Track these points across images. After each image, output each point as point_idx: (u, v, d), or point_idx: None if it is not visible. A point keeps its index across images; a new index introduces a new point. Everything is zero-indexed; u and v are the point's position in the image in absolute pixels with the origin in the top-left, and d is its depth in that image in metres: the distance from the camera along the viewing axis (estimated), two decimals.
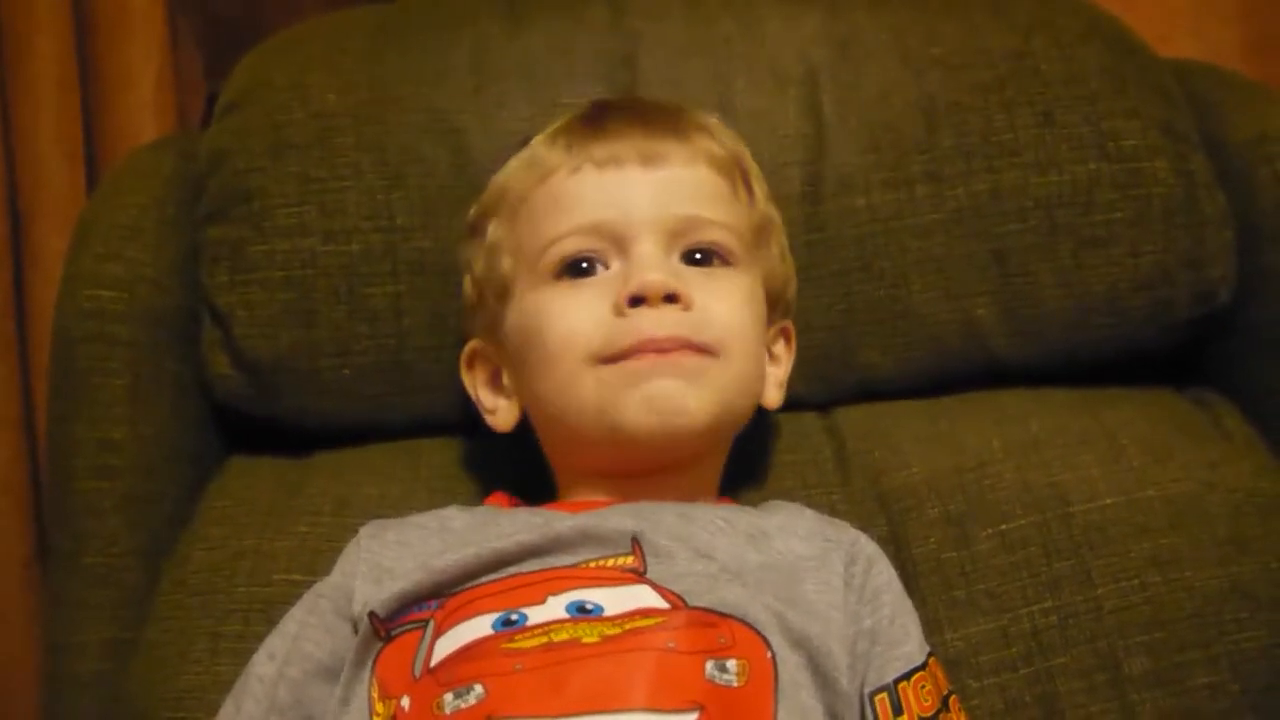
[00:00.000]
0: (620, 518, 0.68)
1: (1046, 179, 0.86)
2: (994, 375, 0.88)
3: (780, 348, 0.79)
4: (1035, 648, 0.74)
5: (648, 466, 0.71)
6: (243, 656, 0.70)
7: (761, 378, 0.75)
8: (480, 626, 0.62)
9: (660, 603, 0.63)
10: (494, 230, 0.76)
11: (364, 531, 0.71)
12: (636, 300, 0.68)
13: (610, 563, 0.65)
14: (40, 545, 1.10)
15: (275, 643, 0.68)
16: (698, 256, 0.71)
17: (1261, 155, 0.88)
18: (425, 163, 0.85)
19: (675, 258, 0.71)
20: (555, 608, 0.62)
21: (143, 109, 1.12)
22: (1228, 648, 0.74)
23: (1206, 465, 0.81)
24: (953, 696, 0.67)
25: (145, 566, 0.82)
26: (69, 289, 0.85)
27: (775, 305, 0.78)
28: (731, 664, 0.59)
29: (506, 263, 0.74)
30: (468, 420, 0.82)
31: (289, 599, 0.71)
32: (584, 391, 0.69)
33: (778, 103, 0.88)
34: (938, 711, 0.65)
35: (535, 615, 0.62)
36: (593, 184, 0.71)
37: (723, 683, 0.58)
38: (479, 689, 0.58)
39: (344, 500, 0.82)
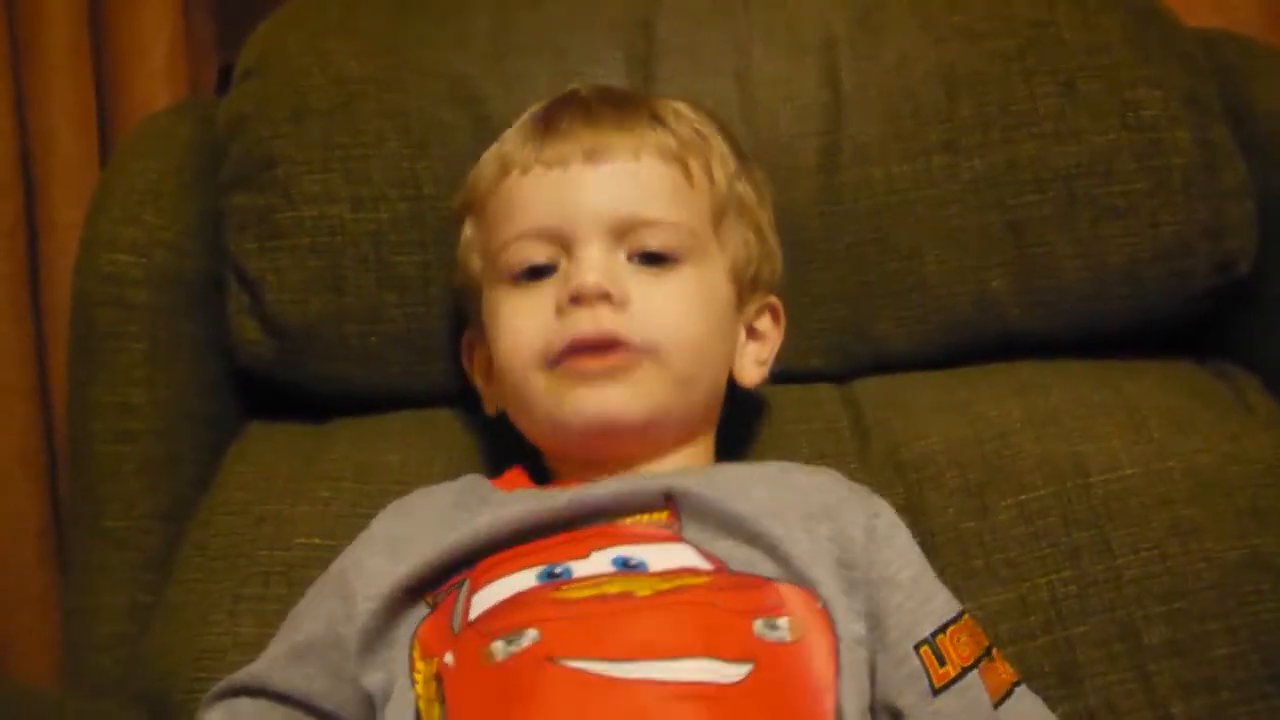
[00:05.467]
0: (646, 482, 0.69)
1: (1065, 149, 0.85)
2: (1010, 347, 0.87)
3: (765, 323, 0.79)
4: (1054, 616, 0.74)
5: (618, 456, 0.71)
6: (262, 618, 0.71)
7: (719, 366, 0.75)
8: (524, 579, 0.63)
9: (702, 563, 0.64)
10: (468, 229, 0.78)
11: (376, 523, 0.72)
12: (574, 300, 0.69)
13: (645, 519, 0.67)
14: (55, 514, 1.11)
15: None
16: (644, 257, 0.72)
17: None
18: (447, 130, 0.85)
19: (621, 256, 0.71)
20: (600, 562, 0.63)
21: (155, 78, 1.11)
22: (1247, 619, 0.73)
23: (1228, 437, 0.80)
24: (994, 649, 0.68)
25: (165, 530, 0.82)
26: (87, 253, 0.85)
27: (751, 284, 0.77)
28: (783, 621, 0.61)
29: (476, 262, 0.77)
30: None
31: (309, 562, 0.72)
32: (534, 394, 0.71)
33: (796, 71, 0.87)
34: (979, 659, 0.66)
35: (580, 569, 0.63)
36: (540, 186, 0.73)
37: (774, 639, 0.60)
38: (533, 632, 0.59)
39: (365, 466, 0.82)
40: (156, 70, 1.12)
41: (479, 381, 0.80)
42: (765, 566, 0.64)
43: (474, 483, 0.74)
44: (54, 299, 1.10)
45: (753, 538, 0.65)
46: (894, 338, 0.87)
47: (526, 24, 0.88)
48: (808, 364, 0.87)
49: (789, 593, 0.63)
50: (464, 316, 0.82)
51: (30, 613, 1.10)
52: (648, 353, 0.70)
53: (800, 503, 0.68)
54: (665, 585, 0.61)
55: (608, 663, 0.57)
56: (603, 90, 0.78)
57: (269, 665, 0.67)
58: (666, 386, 0.70)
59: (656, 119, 0.75)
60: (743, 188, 0.77)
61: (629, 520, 0.67)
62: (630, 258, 0.71)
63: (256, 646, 0.69)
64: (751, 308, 0.78)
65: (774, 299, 0.80)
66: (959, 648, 0.66)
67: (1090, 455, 0.78)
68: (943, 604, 0.67)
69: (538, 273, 0.72)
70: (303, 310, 0.85)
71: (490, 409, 0.79)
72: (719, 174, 0.76)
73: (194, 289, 0.87)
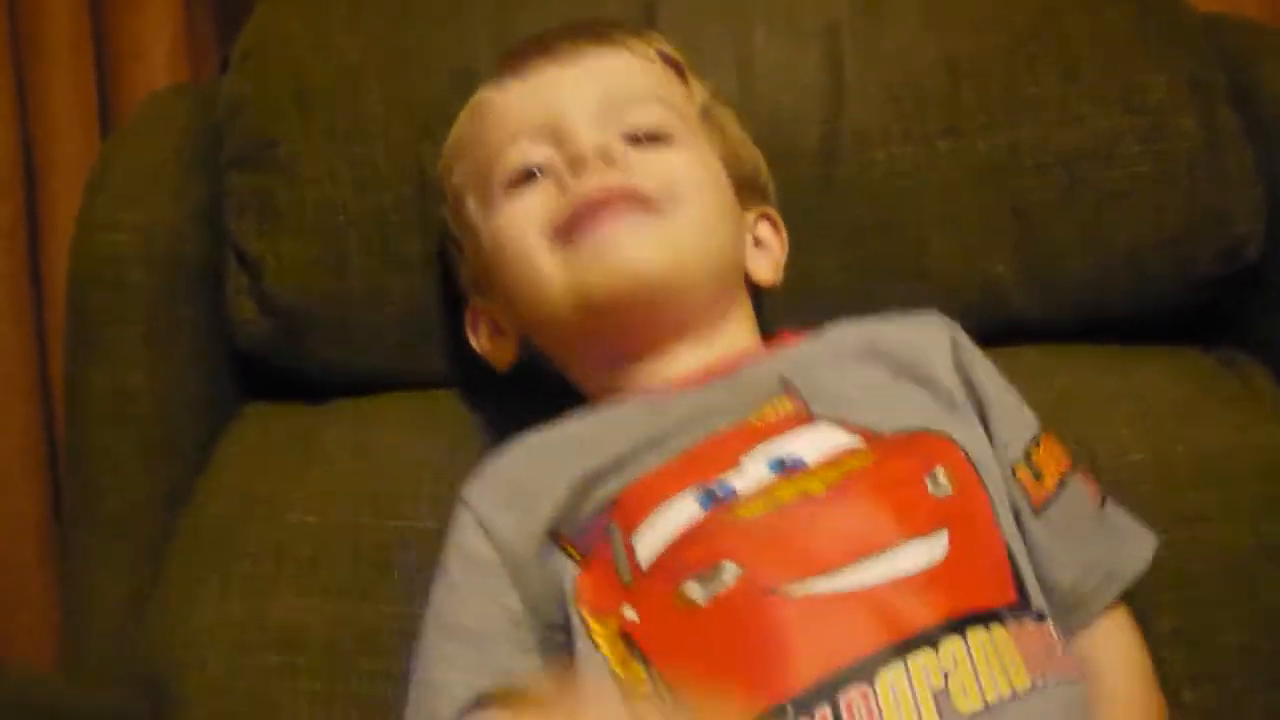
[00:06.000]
0: (753, 371, 0.66)
1: (1068, 134, 0.84)
2: (1013, 333, 0.86)
3: (765, 232, 0.78)
4: None
5: (656, 335, 0.69)
6: (250, 596, 0.71)
7: (733, 234, 0.73)
8: (685, 509, 0.59)
9: (853, 439, 0.61)
10: (456, 176, 0.77)
11: (470, 493, 0.66)
12: (574, 165, 0.68)
13: (769, 411, 0.63)
14: (55, 513, 1.10)
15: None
16: (637, 138, 0.71)
17: None
18: (449, 116, 0.83)
19: (615, 135, 0.70)
20: (757, 469, 0.60)
21: (156, 74, 1.11)
22: (1256, 607, 0.73)
23: (1235, 425, 0.80)
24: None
25: (162, 513, 0.82)
26: (84, 234, 0.84)
27: (747, 187, 0.77)
28: (940, 473, 0.59)
29: (471, 203, 0.75)
30: (489, 374, 0.81)
31: (301, 540, 0.72)
32: (550, 277, 0.68)
33: (798, 57, 0.87)
34: (1076, 463, 0.66)
35: (740, 482, 0.59)
36: (520, 91, 0.73)
37: (942, 495, 0.58)
38: (731, 567, 0.55)
39: (361, 446, 0.82)
40: (158, 68, 1.12)
41: (487, 344, 0.78)
42: (905, 420, 0.62)
43: (545, 431, 0.68)
44: (55, 297, 1.10)
45: (880, 396, 0.63)
46: None
47: (528, 17, 0.86)
48: None
49: (933, 444, 0.61)
50: (463, 292, 0.81)
51: (30, 612, 1.09)
52: (663, 201, 0.68)
53: (898, 351, 0.66)
54: (835, 475, 0.58)
55: (829, 577, 0.54)
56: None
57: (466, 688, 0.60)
58: (682, 235, 0.68)
59: (635, 35, 0.76)
60: (721, 109, 0.77)
61: (753, 416, 0.63)
62: (623, 139, 0.70)
63: (246, 625, 0.70)
64: (751, 214, 0.77)
65: (770, 209, 0.79)
66: (1054, 457, 0.65)
67: (1097, 440, 0.78)
68: (1030, 417, 0.66)
69: (532, 176, 0.71)
70: (304, 292, 0.85)
71: (499, 362, 0.77)
72: (698, 88, 0.76)
73: (191, 271, 0.86)
